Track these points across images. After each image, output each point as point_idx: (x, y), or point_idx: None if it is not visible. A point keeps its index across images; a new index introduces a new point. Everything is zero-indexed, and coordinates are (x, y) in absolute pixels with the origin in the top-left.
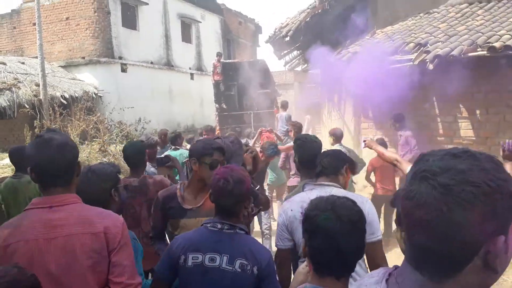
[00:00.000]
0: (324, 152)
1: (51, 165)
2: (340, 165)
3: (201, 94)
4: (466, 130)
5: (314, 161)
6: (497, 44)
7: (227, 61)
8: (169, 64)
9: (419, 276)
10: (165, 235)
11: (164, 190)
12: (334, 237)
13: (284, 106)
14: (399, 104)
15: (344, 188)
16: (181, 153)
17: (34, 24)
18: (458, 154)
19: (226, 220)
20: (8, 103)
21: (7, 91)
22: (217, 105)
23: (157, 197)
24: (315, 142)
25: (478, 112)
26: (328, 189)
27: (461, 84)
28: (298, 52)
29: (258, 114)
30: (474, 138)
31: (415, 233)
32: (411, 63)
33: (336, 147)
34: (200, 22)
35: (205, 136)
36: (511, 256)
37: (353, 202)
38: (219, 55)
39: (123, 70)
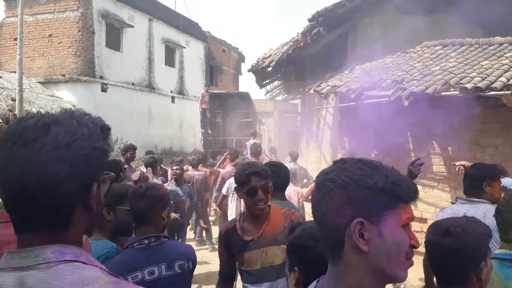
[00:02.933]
0: (467, 172)
1: None
2: (478, 185)
3: (181, 118)
4: (438, 166)
5: (286, 185)
6: (468, 85)
7: (215, 91)
8: (150, 87)
9: (330, 265)
10: (235, 278)
11: (227, 223)
12: None
13: (253, 134)
14: (374, 137)
15: (494, 201)
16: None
17: (16, 39)
18: (335, 162)
19: (150, 234)
20: None
21: None
22: (203, 130)
23: (220, 232)
24: (286, 169)
25: (450, 149)
26: (477, 205)
27: (434, 121)
28: (279, 82)
29: (239, 141)
30: (446, 174)
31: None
32: (388, 98)
33: (291, 164)
34: (185, 48)
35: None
36: (390, 241)
37: None
38: (207, 85)
39: (103, 90)
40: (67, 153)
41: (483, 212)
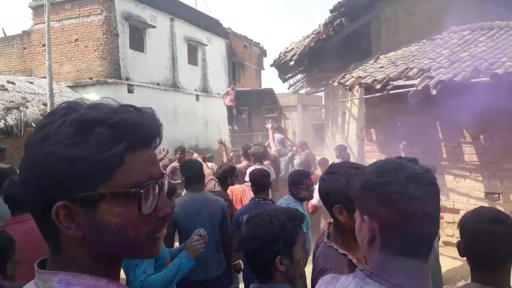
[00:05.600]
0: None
1: None
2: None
3: (206, 115)
4: (470, 155)
5: (199, 176)
6: (499, 71)
7: (240, 89)
8: (175, 86)
9: (412, 262)
10: None
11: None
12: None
13: (278, 129)
14: (402, 128)
15: None
16: None
17: (44, 45)
18: (411, 159)
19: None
20: (16, 122)
21: (15, 110)
22: (230, 127)
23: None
24: (198, 162)
25: (482, 137)
26: None
27: (464, 109)
28: (302, 75)
29: (265, 136)
30: (478, 163)
31: (422, 225)
32: (415, 88)
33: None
34: (207, 45)
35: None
36: None
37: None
38: (232, 83)
39: (130, 91)
40: (24, 158)
41: None
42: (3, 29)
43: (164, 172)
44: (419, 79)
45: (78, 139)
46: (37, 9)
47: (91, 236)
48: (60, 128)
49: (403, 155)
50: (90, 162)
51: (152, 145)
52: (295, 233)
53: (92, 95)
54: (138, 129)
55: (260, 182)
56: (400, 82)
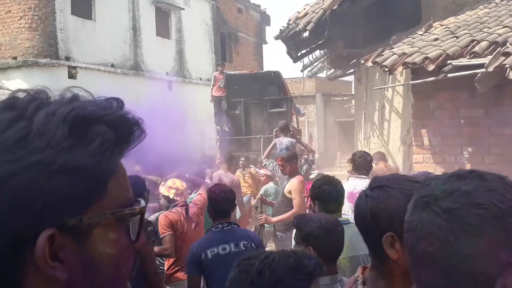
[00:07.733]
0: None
1: None
2: (369, 166)
3: (182, 110)
4: None
5: None
6: None
7: (233, 72)
8: (137, 68)
9: None
10: None
11: None
12: None
13: (284, 129)
14: (466, 127)
15: None
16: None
17: None
18: (463, 175)
19: (224, 221)
20: None
21: None
22: (218, 127)
23: None
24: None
25: None
26: (365, 180)
27: None
28: (322, 52)
29: (269, 139)
30: None
31: (421, 270)
32: (484, 69)
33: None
34: (183, 10)
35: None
36: None
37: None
38: (221, 64)
39: (72, 76)
40: None
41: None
42: None
43: None
44: (490, 57)
45: (75, 142)
46: None
47: (78, 279)
48: (48, 127)
49: (469, 166)
50: (93, 172)
51: None
52: None
53: (16, 82)
54: (132, 128)
55: (220, 208)
56: (463, 61)
